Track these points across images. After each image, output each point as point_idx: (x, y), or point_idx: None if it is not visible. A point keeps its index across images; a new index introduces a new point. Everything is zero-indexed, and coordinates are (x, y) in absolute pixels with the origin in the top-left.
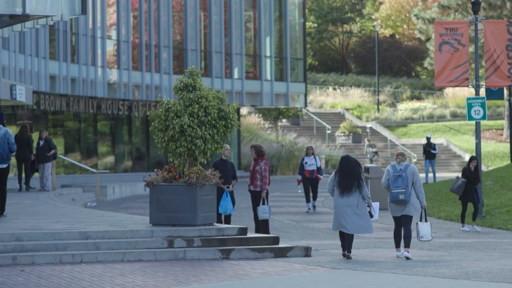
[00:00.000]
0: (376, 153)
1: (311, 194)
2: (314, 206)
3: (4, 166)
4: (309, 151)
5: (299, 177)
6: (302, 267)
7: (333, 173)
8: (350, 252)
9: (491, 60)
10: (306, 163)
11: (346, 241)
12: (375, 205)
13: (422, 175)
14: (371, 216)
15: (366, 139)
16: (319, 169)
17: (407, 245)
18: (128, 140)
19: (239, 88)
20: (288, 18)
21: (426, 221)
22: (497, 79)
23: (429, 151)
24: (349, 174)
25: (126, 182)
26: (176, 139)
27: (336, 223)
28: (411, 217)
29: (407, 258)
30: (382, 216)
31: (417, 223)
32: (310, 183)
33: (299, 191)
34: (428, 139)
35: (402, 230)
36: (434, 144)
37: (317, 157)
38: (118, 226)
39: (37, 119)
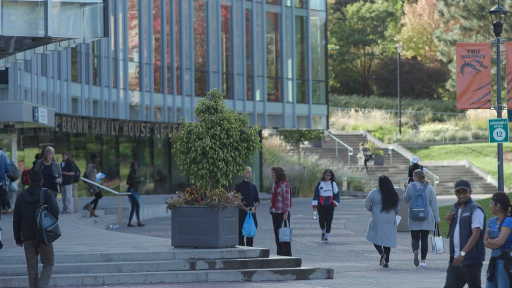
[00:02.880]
0: (371, 156)
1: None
2: (326, 239)
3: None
4: (326, 176)
5: (315, 202)
6: None
7: (372, 191)
8: (388, 260)
9: None
10: (321, 188)
11: (385, 252)
12: (397, 218)
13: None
14: None
15: (360, 144)
16: (335, 196)
17: (423, 257)
18: (150, 162)
19: (261, 110)
20: (310, 40)
21: (439, 235)
22: None
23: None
24: (390, 193)
25: (148, 204)
26: (198, 161)
27: (375, 237)
28: (428, 231)
29: (424, 267)
30: (405, 238)
31: (432, 238)
32: (324, 210)
33: (314, 217)
34: (415, 164)
35: (419, 242)
36: (421, 166)
37: (334, 182)
38: (140, 248)
39: (59, 142)
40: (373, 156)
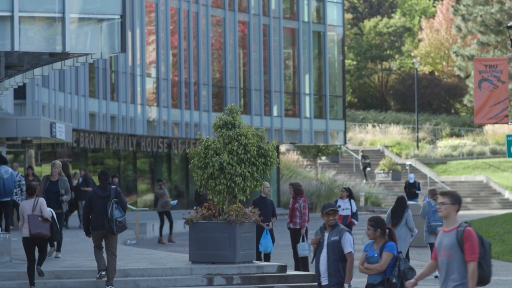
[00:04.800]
0: (369, 164)
1: None
2: None
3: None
4: (343, 193)
5: None
6: None
7: (390, 209)
8: None
9: None
10: (339, 206)
11: None
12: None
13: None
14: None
15: (360, 151)
16: (354, 214)
17: None
18: (168, 178)
19: (278, 126)
20: (327, 55)
21: None
22: None
23: (414, 192)
24: (399, 213)
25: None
26: (216, 177)
27: None
28: None
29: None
30: (422, 253)
31: None
32: None
33: None
34: (410, 183)
35: None
36: (419, 183)
37: (352, 200)
38: (157, 264)
39: (77, 157)
40: (371, 163)
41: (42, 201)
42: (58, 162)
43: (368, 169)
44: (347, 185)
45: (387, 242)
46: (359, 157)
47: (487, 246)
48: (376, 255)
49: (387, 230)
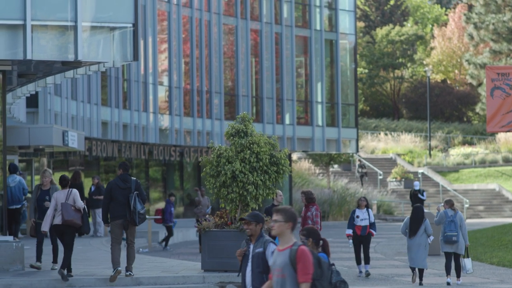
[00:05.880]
0: (365, 173)
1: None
2: (367, 272)
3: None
4: (362, 203)
5: (349, 231)
6: None
7: (407, 218)
8: (421, 279)
9: None
10: (357, 216)
11: (419, 272)
12: (430, 238)
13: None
14: None
15: (357, 160)
16: (372, 225)
17: (459, 276)
18: (180, 186)
19: (290, 134)
20: (340, 63)
21: (468, 257)
22: None
23: (416, 194)
24: (417, 222)
25: (178, 228)
26: (228, 185)
27: (410, 260)
28: (460, 254)
29: (459, 284)
30: (435, 261)
31: (462, 259)
32: (360, 240)
33: (350, 246)
34: (416, 190)
35: (451, 263)
36: (423, 191)
37: (370, 210)
38: (170, 272)
39: (89, 165)
40: (367, 172)
41: (75, 192)
42: (48, 170)
43: (366, 178)
44: (359, 193)
45: (319, 253)
46: (356, 166)
47: (325, 267)
48: None
49: (321, 242)
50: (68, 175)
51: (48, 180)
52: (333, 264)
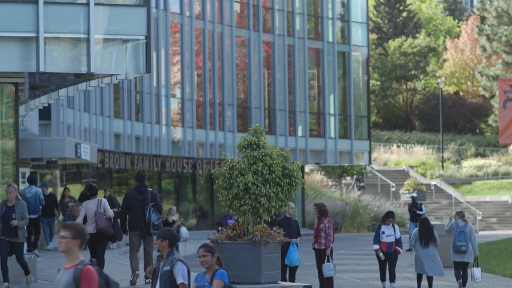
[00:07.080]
0: (363, 187)
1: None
2: None
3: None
4: (389, 221)
5: (376, 246)
6: None
7: (415, 230)
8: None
9: None
10: (383, 232)
11: (428, 281)
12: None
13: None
14: None
15: (355, 173)
16: (398, 241)
17: (464, 284)
18: (192, 198)
19: (303, 146)
20: (352, 75)
21: (477, 266)
22: None
23: (414, 211)
24: (428, 233)
25: (191, 240)
26: (241, 197)
27: (418, 267)
28: (468, 263)
29: None
30: (447, 274)
31: (471, 269)
32: (386, 257)
33: (382, 258)
34: (413, 198)
35: (460, 272)
36: (421, 204)
37: (396, 226)
38: None
39: (102, 177)
40: (365, 187)
41: (105, 201)
42: (13, 186)
43: (362, 191)
44: (371, 205)
45: (217, 270)
46: (353, 180)
47: (114, 287)
48: (207, 284)
49: (217, 255)
50: (81, 187)
51: (13, 196)
52: (232, 282)
